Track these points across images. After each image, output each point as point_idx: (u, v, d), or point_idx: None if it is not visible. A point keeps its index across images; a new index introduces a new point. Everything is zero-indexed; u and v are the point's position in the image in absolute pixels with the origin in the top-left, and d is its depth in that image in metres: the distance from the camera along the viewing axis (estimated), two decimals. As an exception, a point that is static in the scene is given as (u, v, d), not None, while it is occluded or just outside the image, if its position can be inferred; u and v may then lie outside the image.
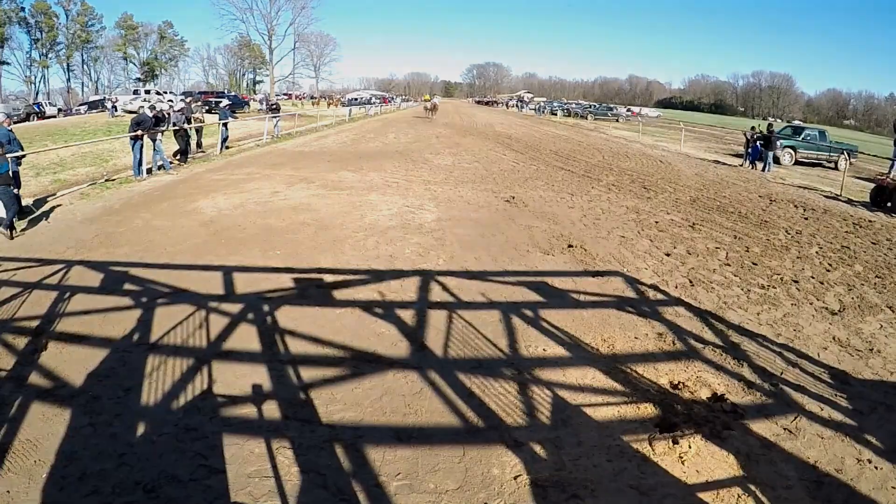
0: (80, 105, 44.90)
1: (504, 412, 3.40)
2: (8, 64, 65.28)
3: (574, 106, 57.04)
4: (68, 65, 72.87)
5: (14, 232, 7.16)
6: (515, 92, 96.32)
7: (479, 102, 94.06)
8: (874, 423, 3.46)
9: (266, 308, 4.82)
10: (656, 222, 8.74)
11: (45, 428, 3.10)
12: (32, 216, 8.22)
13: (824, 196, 12.57)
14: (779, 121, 65.12)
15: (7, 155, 7.58)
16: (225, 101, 26.64)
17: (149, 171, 12.16)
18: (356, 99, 62.32)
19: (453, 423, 3.30)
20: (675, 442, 3.13)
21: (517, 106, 69.20)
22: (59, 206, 8.98)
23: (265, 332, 4.39)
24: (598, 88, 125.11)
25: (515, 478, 2.84)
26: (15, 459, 2.85)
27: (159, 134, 12.73)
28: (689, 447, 3.09)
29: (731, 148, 25.22)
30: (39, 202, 9.24)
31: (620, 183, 12.61)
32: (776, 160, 17.08)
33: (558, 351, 4.26)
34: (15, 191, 7.72)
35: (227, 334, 4.32)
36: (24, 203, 8.33)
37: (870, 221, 9.89)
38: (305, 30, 78.01)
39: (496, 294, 5.37)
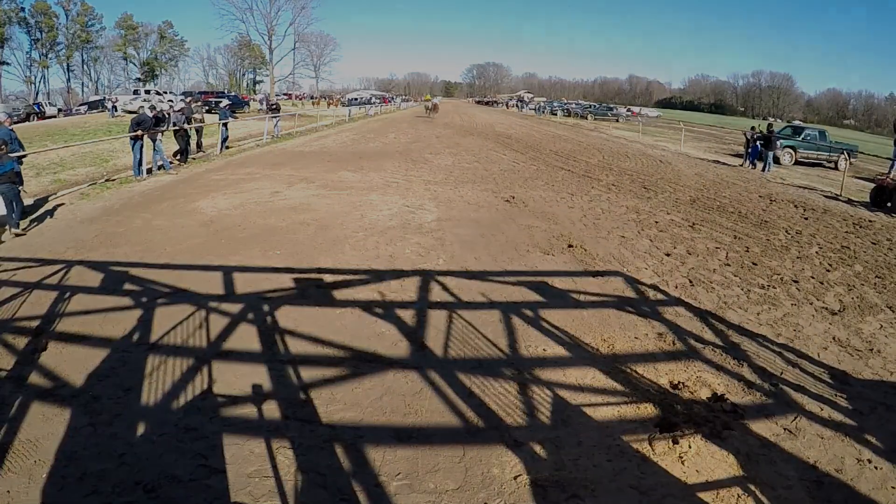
0: (80, 105, 44.89)
1: (504, 412, 3.40)
2: (8, 64, 65.33)
3: (574, 106, 56.99)
4: (68, 65, 72.88)
5: (16, 231, 7.19)
6: (515, 92, 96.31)
7: (479, 102, 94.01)
8: (874, 423, 3.46)
9: (266, 308, 4.82)
10: (656, 222, 8.74)
11: (45, 428, 3.10)
12: (33, 216, 8.22)
13: (824, 196, 12.57)
14: (779, 121, 65.13)
15: (10, 154, 7.64)
16: (225, 101, 26.63)
17: (149, 171, 12.16)
18: (356, 99, 62.32)
19: (453, 423, 3.30)
20: (675, 442, 3.13)
21: (517, 106, 69.19)
22: (59, 206, 8.98)
23: (265, 332, 4.39)
24: (598, 88, 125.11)
25: (515, 478, 2.84)
26: (15, 459, 2.84)
27: (159, 134, 12.73)
28: (689, 447, 3.09)
29: (731, 148, 25.24)
30: (40, 202, 9.24)
31: (620, 183, 12.61)
32: (776, 160, 17.08)
33: (558, 351, 4.26)
34: (20, 188, 7.76)
35: (227, 334, 4.32)
36: (25, 203, 8.34)
37: (870, 221, 9.89)
38: (305, 30, 78.05)
39: (496, 294, 5.37)
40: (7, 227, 7.18)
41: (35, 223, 7.86)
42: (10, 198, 7.25)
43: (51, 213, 8.49)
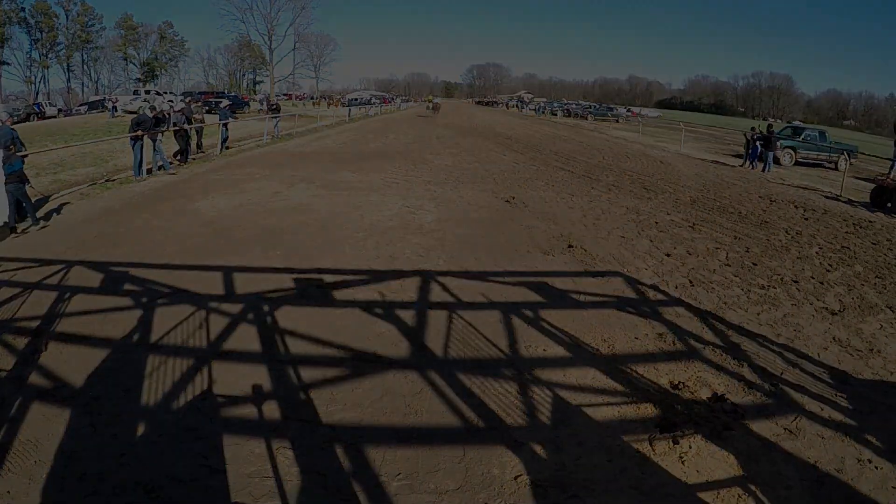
0: (80, 105, 44.92)
1: (504, 412, 3.40)
2: (8, 64, 65.32)
3: (574, 106, 56.94)
4: (68, 65, 72.82)
5: (16, 231, 7.22)
6: (515, 92, 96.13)
7: (479, 103, 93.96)
8: (874, 423, 3.46)
9: (266, 308, 4.82)
10: (656, 223, 8.74)
11: (45, 428, 3.10)
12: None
13: (824, 196, 12.57)
14: (779, 121, 65.08)
15: (17, 154, 7.70)
16: (225, 102, 26.71)
17: (149, 171, 12.16)
18: (356, 99, 62.27)
19: (453, 424, 3.30)
20: (676, 442, 3.13)
21: (517, 106, 69.19)
22: (59, 206, 8.98)
23: (265, 332, 4.39)
24: (598, 89, 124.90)
25: (516, 478, 2.84)
26: (15, 459, 2.84)
27: (159, 134, 12.73)
28: (690, 447, 3.09)
29: (731, 148, 25.21)
30: (40, 202, 9.23)
31: (620, 183, 12.62)
32: (776, 161, 17.08)
33: (558, 351, 4.26)
34: (27, 186, 7.81)
35: (227, 334, 4.32)
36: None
37: (870, 222, 9.89)
38: (305, 30, 78.33)
39: (496, 294, 5.37)
40: (9, 225, 7.22)
41: (41, 221, 7.86)
42: (17, 196, 7.31)
43: (53, 212, 8.48)
